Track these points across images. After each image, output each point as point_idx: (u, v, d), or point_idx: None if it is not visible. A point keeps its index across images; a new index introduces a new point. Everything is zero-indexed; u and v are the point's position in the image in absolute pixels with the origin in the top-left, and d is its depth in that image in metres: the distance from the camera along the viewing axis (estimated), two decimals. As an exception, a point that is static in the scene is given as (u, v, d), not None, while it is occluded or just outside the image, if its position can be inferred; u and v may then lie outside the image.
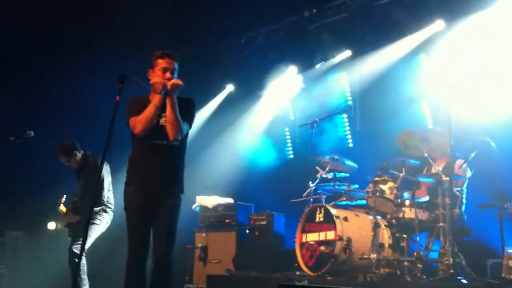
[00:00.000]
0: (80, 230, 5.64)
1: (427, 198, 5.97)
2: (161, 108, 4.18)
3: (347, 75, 8.57)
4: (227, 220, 7.38)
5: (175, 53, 4.34)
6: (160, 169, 4.21)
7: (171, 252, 4.15)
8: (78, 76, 8.32)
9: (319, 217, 5.87)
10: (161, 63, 4.26)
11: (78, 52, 8.30)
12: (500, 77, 6.38)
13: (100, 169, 5.78)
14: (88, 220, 5.65)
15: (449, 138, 5.11)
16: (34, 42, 8.32)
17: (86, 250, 5.68)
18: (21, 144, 6.45)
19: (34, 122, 7.31)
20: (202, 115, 9.62)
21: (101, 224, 5.93)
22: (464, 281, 4.78)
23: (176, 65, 4.29)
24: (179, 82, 4.17)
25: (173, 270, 4.17)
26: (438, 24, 7.32)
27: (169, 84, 4.14)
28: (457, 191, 5.55)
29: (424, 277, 5.01)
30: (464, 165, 5.52)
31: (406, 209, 5.62)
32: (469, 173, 5.63)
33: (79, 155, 6.06)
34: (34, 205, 8.39)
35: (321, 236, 5.74)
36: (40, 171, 8.45)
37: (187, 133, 4.35)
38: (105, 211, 5.98)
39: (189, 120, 4.31)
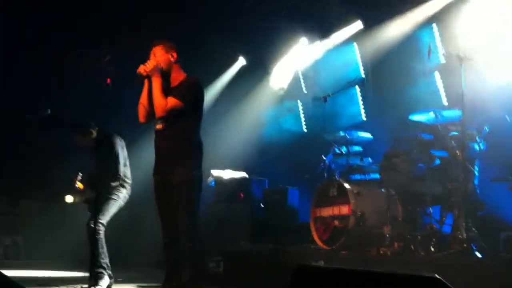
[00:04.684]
0: (98, 205, 5.72)
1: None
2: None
3: (359, 47, 8.51)
4: (241, 194, 7.46)
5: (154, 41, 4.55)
6: (161, 153, 4.43)
7: (186, 229, 4.26)
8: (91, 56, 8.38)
9: (333, 191, 5.92)
10: None
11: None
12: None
13: (114, 143, 5.92)
14: (106, 195, 5.82)
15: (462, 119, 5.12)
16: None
17: (105, 224, 5.79)
18: (39, 120, 6.57)
19: (52, 99, 7.44)
20: (214, 89, 9.64)
21: (119, 199, 5.99)
22: (478, 255, 4.84)
23: (155, 48, 4.46)
24: (148, 64, 4.35)
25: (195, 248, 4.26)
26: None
27: (138, 70, 4.35)
28: (470, 164, 5.56)
29: (437, 251, 5.06)
30: (477, 139, 5.53)
31: (419, 183, 5.64)
32: (479, 147, 5.62)
33: (94, 132, 6.11)
34: (51, 176, 8.52)
35: (335, 210, 5.81)
36: (59, 144, 8.55)
37: (188, 112, 4.35)
38: (122, 186, 6.03)
39: (185, 98, 4.32)
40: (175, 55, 4.48)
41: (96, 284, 5.54)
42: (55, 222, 8.99)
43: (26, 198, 9.65)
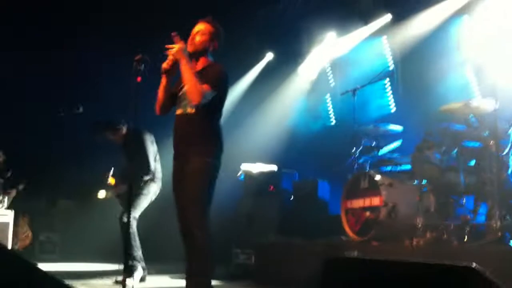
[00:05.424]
0: (130, 200, 5.79)
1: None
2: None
3: (388, 39, 8.45)
4: (271, 187, 7.48)
5: (208, 17, 4.35)
6: (180, 138, 4.26)
7: (194, 218, 4.07)
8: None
9: (364, 183, 5.90)
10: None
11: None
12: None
13: (143, 139, 6.01)
14: (137, 190, 5.91)
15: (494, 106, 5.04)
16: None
17: (136, 218, 5.89)
18: (71, 117, 6.70)
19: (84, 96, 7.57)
20: (243, 84, 9.70)
21: (149, 194, 6.08)
22: (512, 244, 4.80)
23: (205, 27, 4.27)
24: (175, 45, 4.09)
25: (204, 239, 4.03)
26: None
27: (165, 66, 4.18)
28: (503, 154, 5.48)
29: (472, 240, 5.01)
30: (510, 129, 5.44)
31: (452, 173, 5.58)
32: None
33: (124, 129, 6.20)
34: (84, 174, 8.67)
35: (366, 202, 5.79)
36: (89, 141, 8.70)
37: (215, 100, 4.16)
38: (153, 181, 6.13)
39: (216, 86, 4.11)
40: (216, 45, 4.31)
41: (131, 275, 5.65)
42: (89, 218, 9.17)
43: (63, 198, 9.88)
